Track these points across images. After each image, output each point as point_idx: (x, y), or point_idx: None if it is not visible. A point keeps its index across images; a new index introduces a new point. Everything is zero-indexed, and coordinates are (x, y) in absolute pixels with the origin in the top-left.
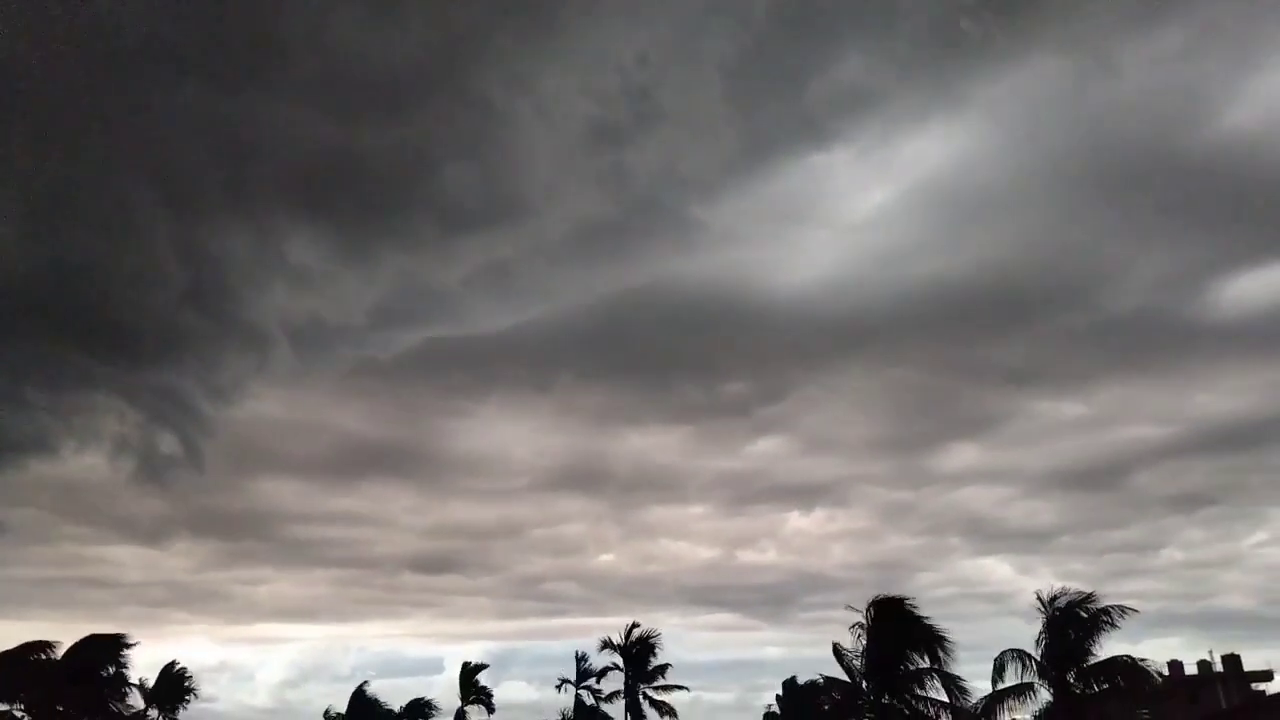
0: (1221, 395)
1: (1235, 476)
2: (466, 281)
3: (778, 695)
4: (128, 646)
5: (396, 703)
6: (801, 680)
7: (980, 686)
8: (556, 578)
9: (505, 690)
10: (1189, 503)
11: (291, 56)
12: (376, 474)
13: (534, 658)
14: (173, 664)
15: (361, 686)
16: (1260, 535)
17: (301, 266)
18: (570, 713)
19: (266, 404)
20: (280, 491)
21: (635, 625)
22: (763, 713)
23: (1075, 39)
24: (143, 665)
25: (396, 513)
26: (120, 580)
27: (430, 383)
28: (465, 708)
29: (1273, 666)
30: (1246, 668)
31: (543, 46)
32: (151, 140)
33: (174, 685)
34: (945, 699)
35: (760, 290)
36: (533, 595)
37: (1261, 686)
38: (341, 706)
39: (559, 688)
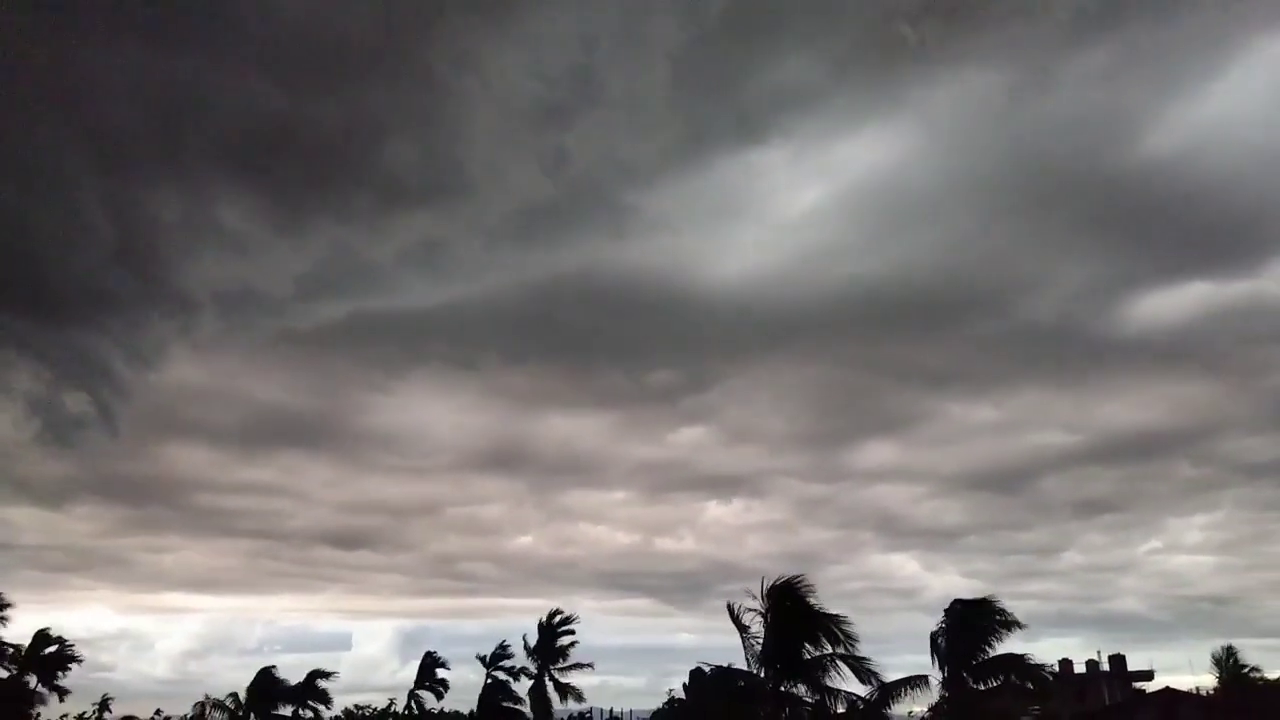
0: (1126, 407)
1: (1135, 485)
2: (399, 256)
3: (684, 683)
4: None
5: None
6: (710, 667)
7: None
8: (472, 557)
9: (415, 669)
10: (1091, 509)
11: (239, 21)
12: (293, 446)
13: (446, 637)
14: (46, 630)
15: (268, 668)
16: (1155, 543)
17: (234, 232)
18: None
19: (186, 369)
20: (194, 459)
21: (558, 611)
22: (669, 695)
23: (1011, 53)
24: (30, 631)
25: (312, 486)
26: (15, 543)
27: (354, 356)
28: (418, 691)
29: (1155, 667)
30: (1131, 668)
31: (492, 25)
32: (83, 95)
33: (51, 652)
34: (846, 686)
35: (692, 281)
36: (447, 574)
37: (1142, 685)
38: (247, 680)
39: (483, 659)
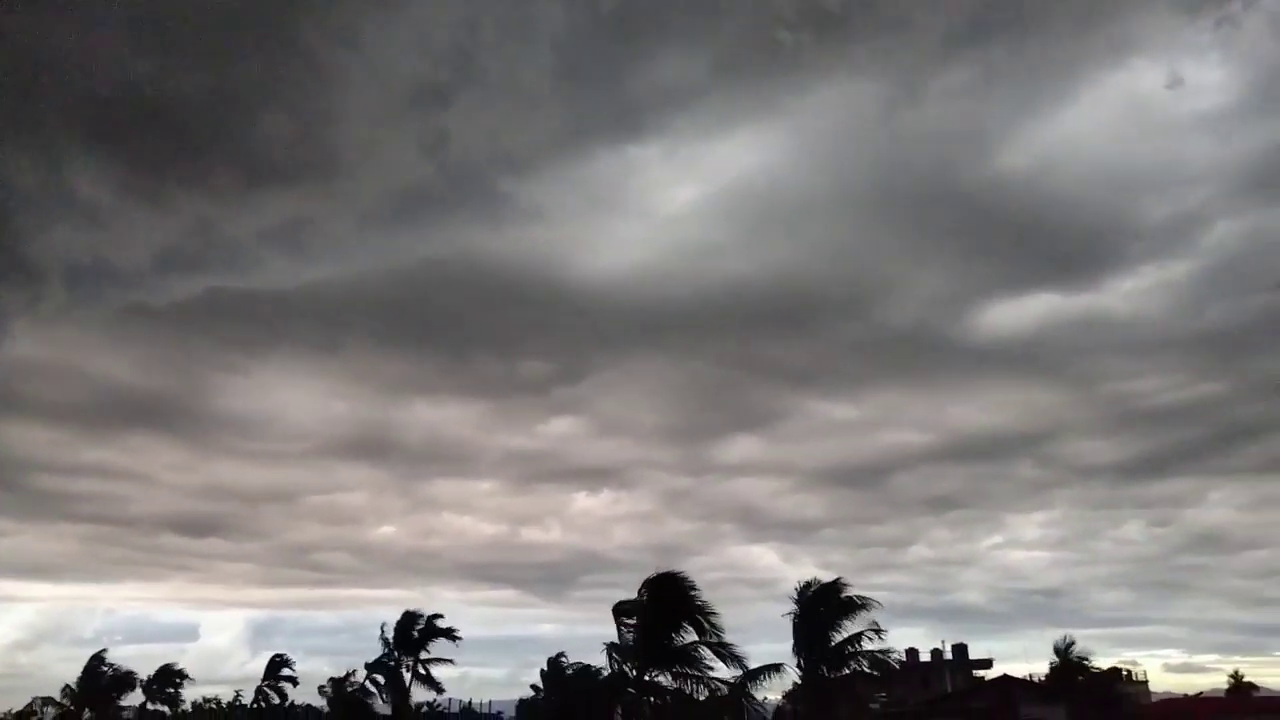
0: (975, 409)
1: (980, 483)
2: (264, 234)
3: (542, 670)
4: None
5: (145, 670)
6: (571, 659)
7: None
8: (329, 547)
9: (266, 661)
10: (939, 505)
11: None
12: (140, 426)
13: (299, 628)
14: None
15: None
16: (997, 538)
17: (88, 202)
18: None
19: (27, 344)
20: (31, 438)
21: (435, 615)
22: (530, 686)
23: (884, 66)
24: None
25: (159, 469)
26: None
27: (210, 335)
28: (264, 687)
29: (993, 655)
30: (972, 656)
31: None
32: None
33: None
34: (708, 673)
35: (567, 272)
36: (302, 564)
37: (982, 673)
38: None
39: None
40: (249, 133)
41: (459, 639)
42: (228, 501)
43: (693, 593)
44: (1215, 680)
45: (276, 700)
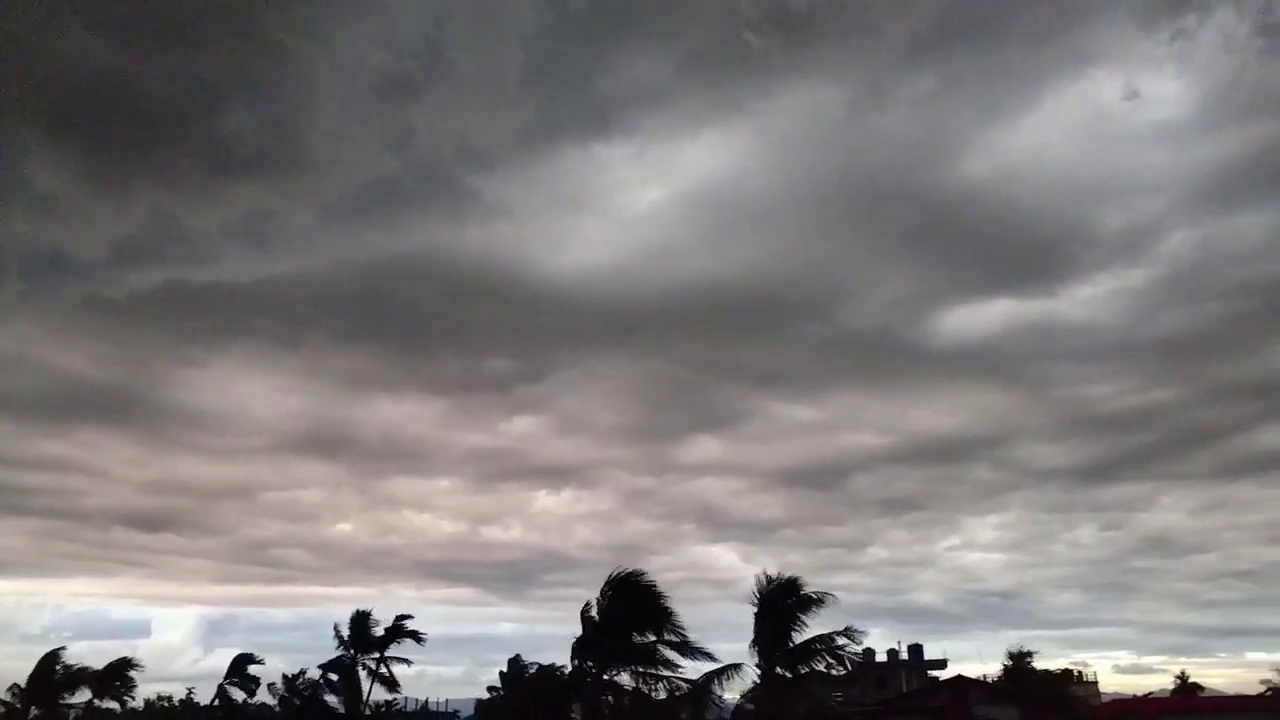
0: (933, 412)
1: (937, 486)
2: (225, 227)
3: (501, 671)
4: None
5: (95, 667)
6: (531, 657)
7: (703, 665)
8: (286, 544)
9: (219, 658)
10: (897, 507)
11: None
12: (95, 420)
13: (254, 625)
14: None
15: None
16: (953, 540)
17: (46, 192)
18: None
19: None
20: None
21: (400, 618)
22: (486, 686)
23: (850, 70)
24: None
25: (113, 463)
26: None
27: (167, 328)
28: (226, 685)
29: (948, 656)
30: (927, 657)
31: None
32: None
33: None
34: (670, 672)
35: (531, 270)
36: (258, 561)
37: (937, 673)
38: (29, 669)
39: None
40: (213, 125)
41: (424, 639)
42: (183, 497)
43: (653, 591)
44: (1163, 681)
45: (242, 698)
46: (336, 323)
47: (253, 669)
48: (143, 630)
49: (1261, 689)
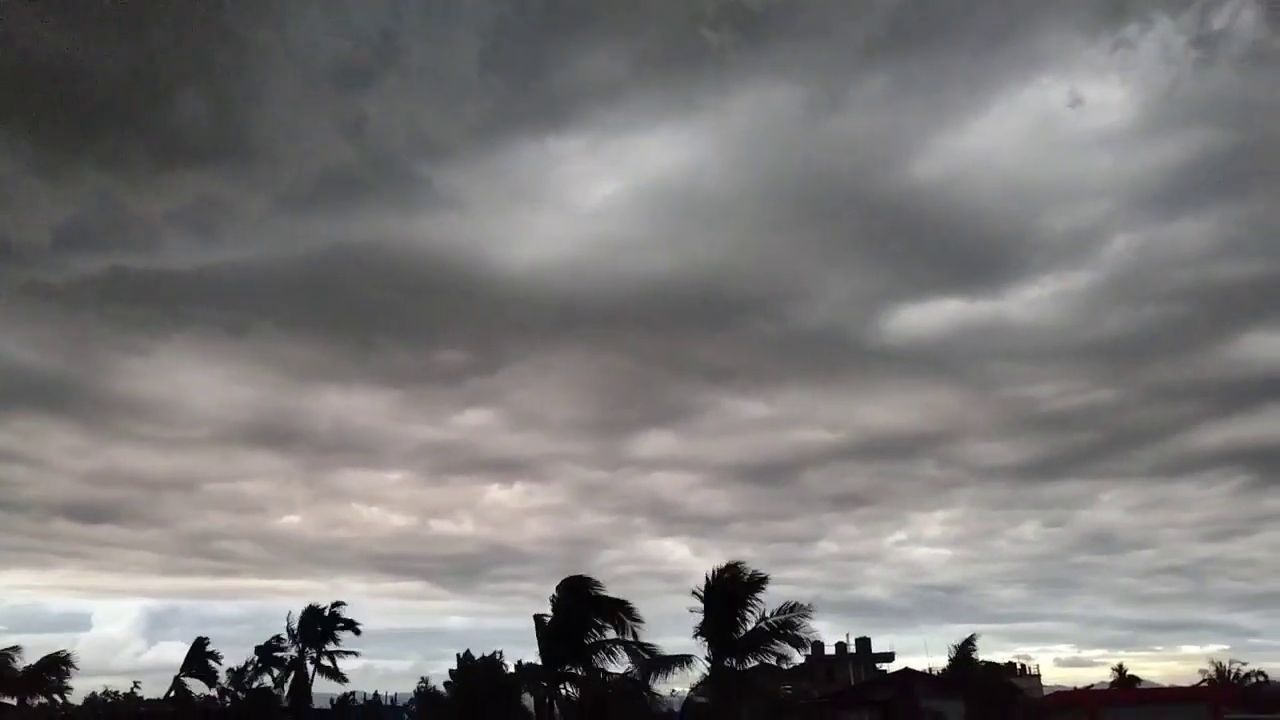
0: (882, 409)
1: (886, 481)
2: (173, 214)
3: (451, 669)
4: None
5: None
6: (478, 652)
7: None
8: (232, 536)
9: (161, 651)
10: (846, 502)
11: None
12: (34, 408)
13: (199, 618)
14: None
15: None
16: (900, 535)
17: None
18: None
19: None
20: None
21: (334, 606)
22: (440, 681)
23: (806, 70)
24: None
25: (53, 453)
26: None
27: (111, 315)
28: (183, 677)
29: (895, 649)
30: (875, 650)
31: None
32: None
33: None
34: (619, 667)
35: (485, 262)
36: (203, 553)
37: (884, 666)
38: None
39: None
40: (164, 111)
41: (359, 629)
42: (125, 488)
43: (601, 594)
44: (1102, 674)
45: (205, 692)
46: (285, 312)
47: (214, 662)
48: (82, 623)
49: (1198, 680)
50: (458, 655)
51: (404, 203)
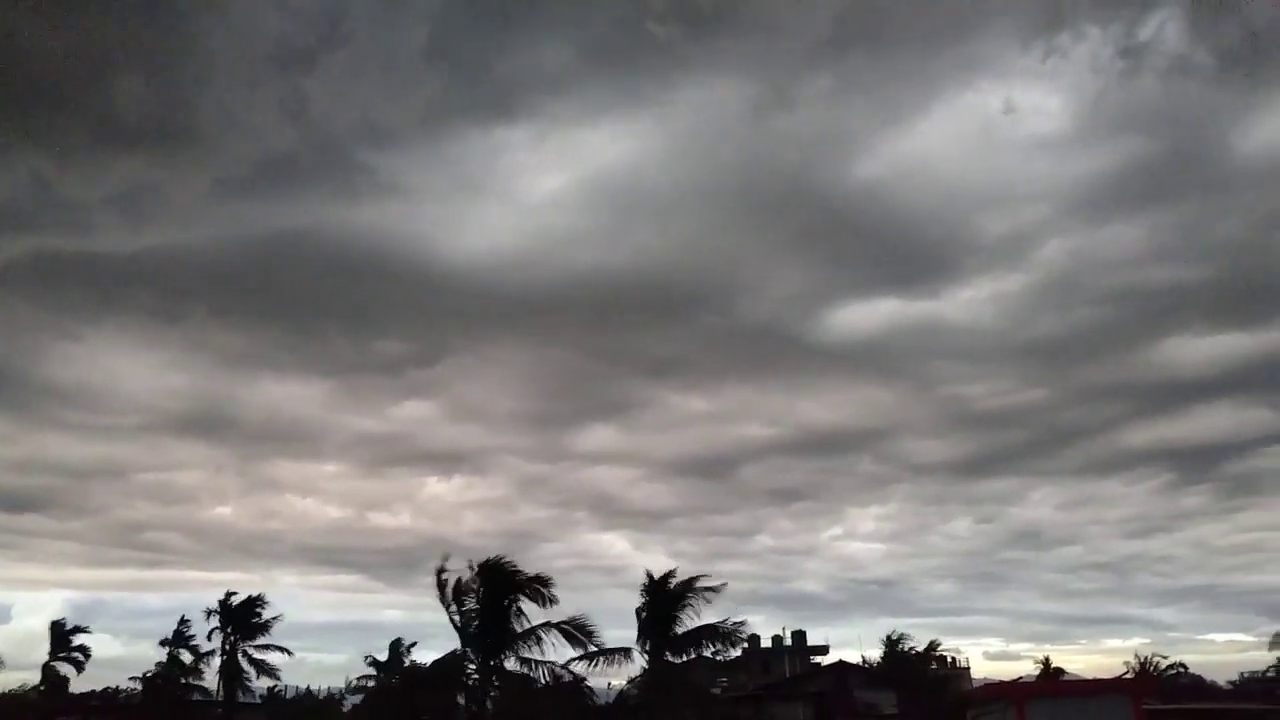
0: (821, 406)
1: (823, 477)
2: (105, 197)
3: (375, 660)
4: None
5: None
6: (418, 644)
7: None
8: (161, 527)
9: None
10: (784, 496)
11: None
12: None
13: (125, 611)
14: None
15: None
16: (836, 530)
17: None
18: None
19: None
20: None
21: (252, 600)
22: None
23: (752, 65)
24: None
25: None
26: None
27: (37, 299)
28: (53, 663)
29: (830, 642)
30: (810, 643)
31: None
32: None
33: None
34: (555, 656)
35: (428, 252)
36: (131, 544)
37: (819, 659)
38: None
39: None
40: (100, 91)
41: (273, 622)
42: (51, 476)
43: (518, 573)
44: (1029, 667)
45: (74, 674)
46: (220, 299)
47: (82, 639)
48: (1, 616)
49: (1121, 673)
50: (390, 645)
51: (346, 189)
